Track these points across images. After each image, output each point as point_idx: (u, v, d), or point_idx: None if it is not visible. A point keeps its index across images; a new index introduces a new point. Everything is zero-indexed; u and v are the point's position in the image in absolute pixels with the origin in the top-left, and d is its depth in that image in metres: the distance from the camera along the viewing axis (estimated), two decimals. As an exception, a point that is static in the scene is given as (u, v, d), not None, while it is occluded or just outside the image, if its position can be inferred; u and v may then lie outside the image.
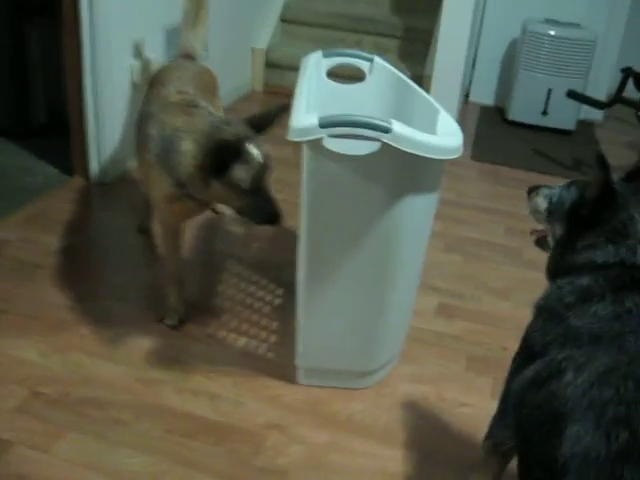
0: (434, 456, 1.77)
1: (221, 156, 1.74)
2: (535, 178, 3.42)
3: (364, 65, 2.26)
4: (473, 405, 1.94)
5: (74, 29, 2.79)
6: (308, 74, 2.05)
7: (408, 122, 1.64)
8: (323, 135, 1.56)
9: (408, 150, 1.56)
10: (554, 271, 1.34)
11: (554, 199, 1.40)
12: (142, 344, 2.07)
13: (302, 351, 1.92)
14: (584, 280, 1.23)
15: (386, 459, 1.75)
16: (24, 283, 2.30)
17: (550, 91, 4.11)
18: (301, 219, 1.72)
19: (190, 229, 2.54)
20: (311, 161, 1.62)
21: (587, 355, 1.12)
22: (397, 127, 1.55)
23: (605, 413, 1.03)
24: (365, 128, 1.55)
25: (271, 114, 1.87)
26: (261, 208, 1.81)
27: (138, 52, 3.04)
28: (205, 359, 2.04)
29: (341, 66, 2.27)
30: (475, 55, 4.63)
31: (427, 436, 1.83)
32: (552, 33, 4.08)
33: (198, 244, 2.64)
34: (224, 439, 1.76)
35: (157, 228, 2.14)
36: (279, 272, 2.48)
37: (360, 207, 1.70)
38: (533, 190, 1.49)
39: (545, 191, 1.45)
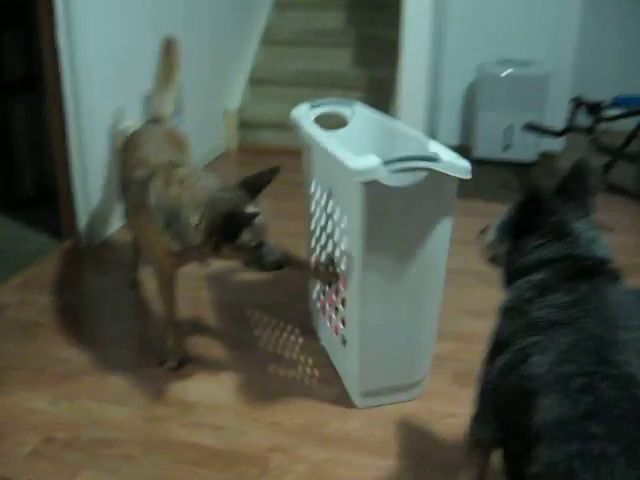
0: (426, 462, 1.89)
1: (232, 227, 1.91)
2: (503, 209, 3.60)
3: (346, 111, 2.45)
4: (460, 415, 2.05)
5: (58, 101, 2.97)
6: (309, 125, 2.25)
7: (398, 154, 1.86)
8: (385, 172, 1.77)
9: (450, 173, 1.82)
10: (509, 279, 1.48)
11: (499, 226, 1.57)
12: (145, 386, 2.18)
13: (360, 374, 2.07)
14: (538, 276, 1.38)
15: (384, 469, 1.86)
16: (28, 342, 2.42)
17: (510, 127, 4.33)
18: (354, 249, 1.93)
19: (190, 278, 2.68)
20: (367, 196, 1.81)
21: (549, 339, 1.26)
22: (443, 156, 1.82)
23: (570, 384, 1.16)
24: (419, 160, 1.82)
25: (264, 176, 2.03)
26: (266, 258, 1.98)
27: (119, 119, 3.22)
28: (207, 395, 2.16)
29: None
30: (437, 99, 4.87)
31: (419, 445, 1.96)
32: (506, 73, 4.33)
33: (197, 291, 2.78)
34: (231, 465, 1.87)
35: (155, 279, 2.27)
36: (272, 312, 2.62)
37: (409, 229, 1.93)
38: (481, 232, 1.66)
39: (491, 227, 1.61)
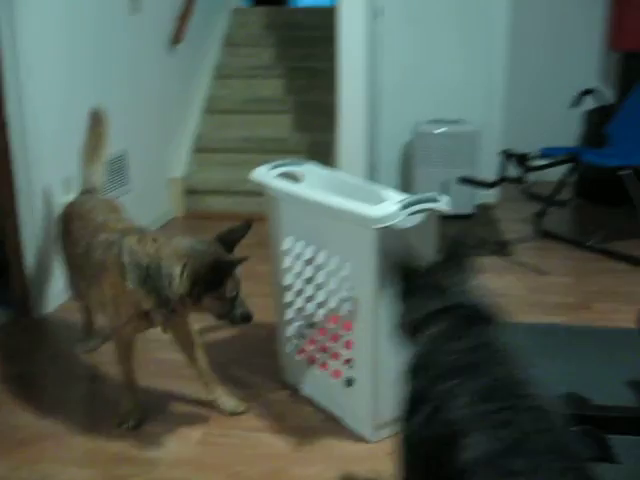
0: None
1: (217, 275, 2.00)
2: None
3: (299, 170, 2.58)
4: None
5: (8, 175, 3.03)
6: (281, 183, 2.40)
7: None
8: (402, 216, 1.97)
9: (445, 211, 2.08)
10: (409, 338, 1.57)
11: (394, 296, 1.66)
12: (106, 447, 2.21)
13: (374, 410, 2.18)
14: (434, 328, 1.48)
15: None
16: (-16, 411, 2.43)
17: (445, 181, 4.53)
18: (365, 292, 2.10)
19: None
20: (381, 241, 1.99)
21: (461, 385, 1.32)
22: (442, 198, 2.07)
23: (490, 420, 1.23)
24: (428, 202, 2.04)
25: (238, 231, 2.14)
26: (239, 310, 2.09)
27: (68, 189, 3.28)
28: (168, 452, 2.20)
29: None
30: (376, 158, 5.06)
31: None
32: (440, 130, 4.56)
33: (153, 352, 2.82)
34: (195, 516, 1.91)
35: (114, 343, 2.31)
36: (229, 369, 2.68)
37: None
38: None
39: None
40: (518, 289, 3.48)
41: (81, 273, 2.39)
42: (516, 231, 4.39)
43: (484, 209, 4.89)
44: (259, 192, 4.57)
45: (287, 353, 2.55)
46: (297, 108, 5.33)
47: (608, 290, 3.44)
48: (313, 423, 2.34)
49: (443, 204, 2.08)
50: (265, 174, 2.46)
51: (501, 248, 4.07)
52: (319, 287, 2.33)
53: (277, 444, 2.23)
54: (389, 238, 1.99)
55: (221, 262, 2.02)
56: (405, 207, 1.98)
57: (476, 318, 1.47)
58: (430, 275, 1.57)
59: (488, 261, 3.86)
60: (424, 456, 1.37)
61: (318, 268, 2.30)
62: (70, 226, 2.51)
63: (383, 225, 1.97)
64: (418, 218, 2.05)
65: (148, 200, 4.41)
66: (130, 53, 4.09)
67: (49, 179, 3.23)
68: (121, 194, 3.92)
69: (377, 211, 1.99)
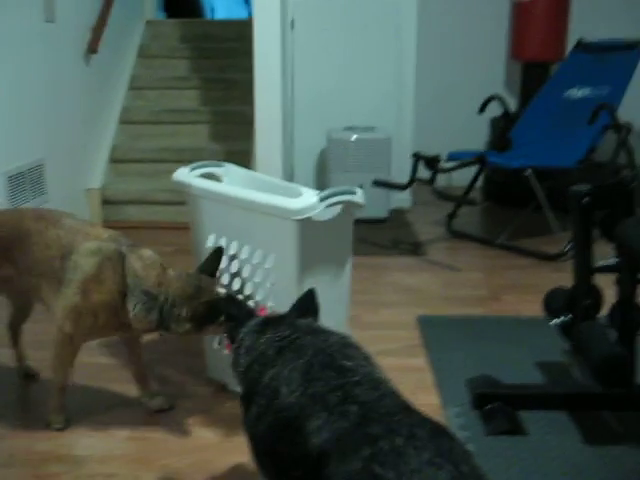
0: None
1: (217, 311, 2.10)
2: (362, 260, 3.90)
3: (219, 171, 2.65)
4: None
5: None
6: (202, 182, 2.45)
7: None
8: (322, 208, 2.07)
9: (360, 203, 2.20)
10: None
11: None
12: (34, 448, 2.22)
13: None
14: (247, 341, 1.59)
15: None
16: None
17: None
18: (289, 280, 2.19)
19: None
20: (301, 232, 2.10)
21: (283, 366, 1.39)
22: (357, 191, 2.21)
23: (329, 400, 1.27)
24: (345, 195, 2.15)
25: (214, 260, 2.23)
26: None
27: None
28: (97, 449, 2.22)
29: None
30: (292, 166, 5.18)
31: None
32: (353, 138, 4.71)
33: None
34: (127, 507, 1.95)
35: (60, 348, 2.25)
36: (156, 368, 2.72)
37: (330, 256, 2.28)
38: None
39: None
40: (433, 285, 3.64)
41: (40, 279, 2.25)
42: (429, 233, 4.59)
43: (398, 213, 5.07)
44: (176, 202, 4.65)
45: (214, 350, 2.61)
46: (213, 118, 5.39)
47: (516, 283, 3.64)
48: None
49: (359, 196, 2.20)
50: (186, 175, 2.52)
51: (415, 248, 4.24)
52: (245, 281, 2.40)
53: (206, 436, 2.28)
54: (309, 230, 2.09)
55: (220, 300, 2.11)
56: (323, 199, 2.09)
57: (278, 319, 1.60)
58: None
59: (403, 261, 4.02)
60: (267, 449, 1.39)
61: (243, 262, 2.37)
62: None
63: (303, 216, 2.06)
64: (336, 210, 2.17)
65: (66, 210, 4.37)
66: (46, 62, 4.07)
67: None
68: (39, 204, 3.90)
69: (297, 203, 2.09)
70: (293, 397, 1.32)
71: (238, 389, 2.28)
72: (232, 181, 2.65)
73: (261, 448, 1.41)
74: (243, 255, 2.36)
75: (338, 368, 1.35)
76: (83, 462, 2.14)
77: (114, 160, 5.13)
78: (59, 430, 2.30)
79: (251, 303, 2.41)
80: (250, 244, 2.32)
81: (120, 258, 2.15)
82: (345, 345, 1.45)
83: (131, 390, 2.52)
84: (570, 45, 4.97)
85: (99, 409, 2.46)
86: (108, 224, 4.86)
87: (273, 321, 1.59)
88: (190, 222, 2.54)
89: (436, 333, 2.99)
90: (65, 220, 2.28)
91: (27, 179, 3.75)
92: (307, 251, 2.16)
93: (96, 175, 4.92)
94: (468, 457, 1.14)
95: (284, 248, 2.17)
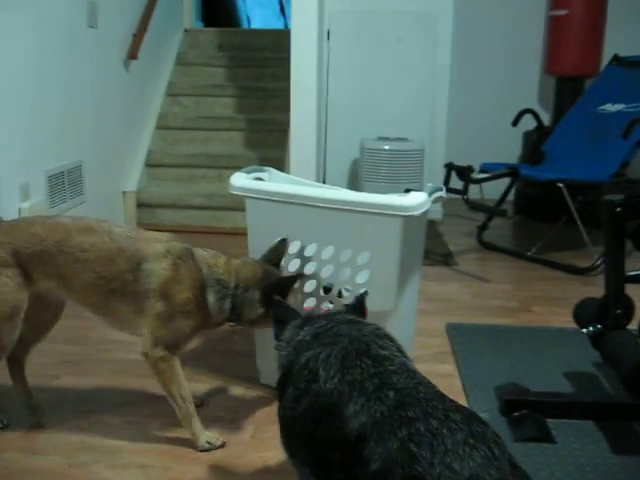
0: None
1: (285, 291, 2.13)
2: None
3: (264, 175, 2.67)
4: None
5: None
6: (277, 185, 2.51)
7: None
8: (430, 202, 2.25)
9: (444, 196, 2.40)
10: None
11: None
12: (68, 438, 2.27)
13: None
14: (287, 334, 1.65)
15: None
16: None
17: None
18: (388, 277, 2.28)
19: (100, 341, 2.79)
20: (405, 226, 2.22)
21: (320, 349, 1.44)
22: (443, 187, 2.38)
23: (367, 387, 1.31)
24: (440, 191, 2.34)
25: (278, 249, 2.25)
26: None
27: (25, 195, 3.34)
28: (129, 441, 2.26)
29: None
30: (325, 175, 5.23)
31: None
32: (386, 148, 4.75)
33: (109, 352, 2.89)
34: (158, 497, 1.99)
35: (167, 363, 2.18)
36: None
37: (416, 250, 2.48)
38: None
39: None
40: (463, 295, 3.65)
41: (109, 295, 2.13)
42: (460, 244, 4.60)
43: (429, 224, 5.07)
44: (210, 207, 4.70)
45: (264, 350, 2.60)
46: (248, 126, 5.46)
47: (546, 295, 3.63)
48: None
49: (444, 192, 2.41)
50: (243, 178, 2.48)
51: (446, 258, 4.25)
52: (322, 282, 2.39)
53: (236, 432, 2.31)
54: (408, 226, 2.24)
55: (288, 280, 2.17)
56: (430, 195, 2.25)
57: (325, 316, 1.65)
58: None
59: (434, 270, 4.04)
60: (303, 431, 1.42)
61: (322, 263, 2.36)
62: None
63: (416, 213, 2.18)
64: (427, 206, 2.27)
65: (102, 212, 4.46)
66: (88, 66, 4.17)
67: (6, 186, 3.27)
68: (76, 204, 3.98)
69: (409, 200, 2.19)
70: (332, 383, 1.35)
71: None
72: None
73: (297, 430, 1.44)
74: (324, 256, 2.36)
75: (374, 357, 1.38)
76: (115, 453, 2.19)
77: (150, 164, 5.23)
78: (218, 447, 2.23)
79: (330, 305, 2.39)
80: (334, 244, 2.33)
81: (189, 254, 2.14)
82: (379, 335, 1.49)
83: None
84: (605, 60, 4.98)
85: (132, 403, 2.51)
86: (142, 227, 4.94)
87: (313, 317, 1.66)
88: (252, 226, 2.50)
89: (465, 341, 3.00)
90: (115, 229, 2.16)
91: (66, 179, 3.83)
92: (405, 248, 2.26)
93: (132, 178, 5.02)
94: (500, 441, 1.18)
95: (384, 245, 2.23)
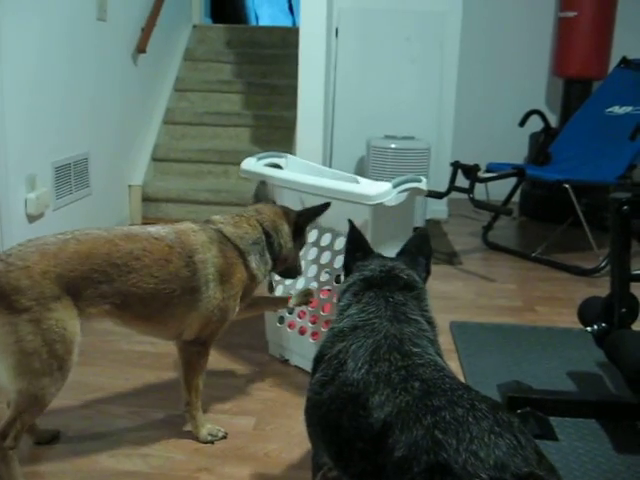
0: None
1: (305, 224, 2.28)
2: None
3: (282, 161, 2.73)
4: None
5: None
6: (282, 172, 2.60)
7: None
8: (394, 194, 2.22)
9: (424, 189, 2.36)
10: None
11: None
12: (71, 425, 2.27)
13: None
14: (343, 301, 1.64)
15: None
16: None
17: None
18: None
19: (106, 332, 2.79)
20: (375, 214, 2.25)
21: (353, 341, 1.45)
22: (422, 179, 2.35)
23: (393, 378, 1.31)
24: (412, 182, 2.30)
25: (318, 208, 2.26)
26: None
27: (32, 186, 3.35)
28: (132, 430, 2.27)
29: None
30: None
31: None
32: (392, 146, 4.75)
33: (114, 344, 2.89)
34: (161, 486, 2.00)
35: (200, 360, 2.19)
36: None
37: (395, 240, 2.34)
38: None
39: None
40: (467, 293, 3.65)
41: (169, 299, 2.03)
42: (464, 243, 4.60)
43: (434, 224, 5.09)
44: (215, 202, 4.70)
45: (273, 330, 2.76)
46: (255, 122, 5.47)
47: (550, 296, 3.63)
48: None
49: (424, 184, 2.35)
50: (254, 164, 2.59)
51: (450, 257, 4.25)
52: (311, 262, 2.52)
53: (239, 423, 2.32)
54: (380, 214, 2.23)
55: (320, 208, 2.23)
56: (395, 186, 2.22)
57: (377, 284, 1.62)
58: (360, 260, 1.75)
59: (439, 269, 4.03)
60: (326, 418, 1.43)
61: (321, 250, 2.51)
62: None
63: (379, 202, 2.19)
64: (403, 197, 2.27)
65: (108, 205, 4.48)
66: (97, 59, 4.17)
67: (12, 176, 3.27)
68: (82, 196, 3.99)
69: (374, 190, 2.20)
70: (359, 374, 1.36)
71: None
72: (293, 169, 2.72)
73: (321, 413, 1.45)
74: (322, 242, 2.50)
75: (405, 352, 1.38)
76: (118, 442, 2.20)
77: (156, 159, 5.23)
78: (220, 439, 2.24)
79: (315, 284, 2.53)
80: (317, 228, 2.47)
81: (221, 234, 2.15)
82: (419, 336, 1.47)
83: (166, 376, 2.58)
84: (614, 62, 4.97)
85: (135, 393, 2.51)
86: (147, 220, 4.96)
87: (376, 285, 1.62)
88: None
89: (468, 339, 3.00)
90: (149, 229, 2.09)
91: (72, 171, 3.83)
92: (378, 235, 2.26)
93: (138, 172, 5.02)
94: (525, 431, 1.18)
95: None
